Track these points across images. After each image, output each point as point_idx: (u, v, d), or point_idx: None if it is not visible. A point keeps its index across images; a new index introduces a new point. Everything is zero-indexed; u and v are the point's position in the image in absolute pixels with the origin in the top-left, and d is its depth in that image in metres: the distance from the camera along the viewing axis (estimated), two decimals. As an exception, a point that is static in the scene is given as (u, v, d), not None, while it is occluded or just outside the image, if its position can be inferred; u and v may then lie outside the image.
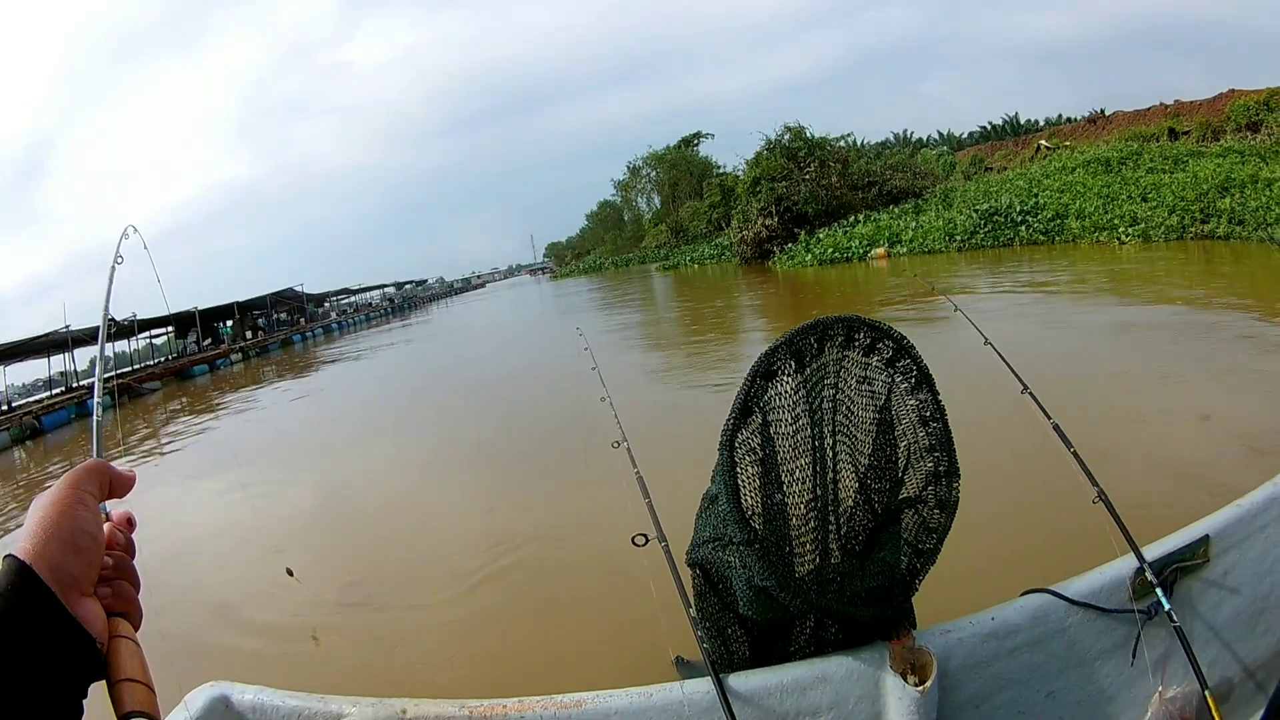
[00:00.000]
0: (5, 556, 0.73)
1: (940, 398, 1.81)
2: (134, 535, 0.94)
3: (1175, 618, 2.07)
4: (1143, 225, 23.57)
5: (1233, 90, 35.55)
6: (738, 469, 1.68)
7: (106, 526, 0.88)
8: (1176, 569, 2.18)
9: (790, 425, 1.72)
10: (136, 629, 0.83)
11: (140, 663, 0.78)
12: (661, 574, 2.18)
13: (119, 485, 0.87)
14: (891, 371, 1.80)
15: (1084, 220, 26.31)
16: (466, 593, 5.67)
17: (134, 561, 0.90)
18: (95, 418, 1.87)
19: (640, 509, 2.48)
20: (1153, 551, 2.17)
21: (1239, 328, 10.39)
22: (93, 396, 1.91)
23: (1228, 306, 11.98)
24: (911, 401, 1.81)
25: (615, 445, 2.91)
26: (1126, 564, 2.15)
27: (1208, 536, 2.22)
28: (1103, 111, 48.51)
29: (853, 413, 1.81)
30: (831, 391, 1.77)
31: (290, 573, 5.76)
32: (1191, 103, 38.44)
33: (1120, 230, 24.19)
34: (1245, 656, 2.29)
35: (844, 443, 1.81)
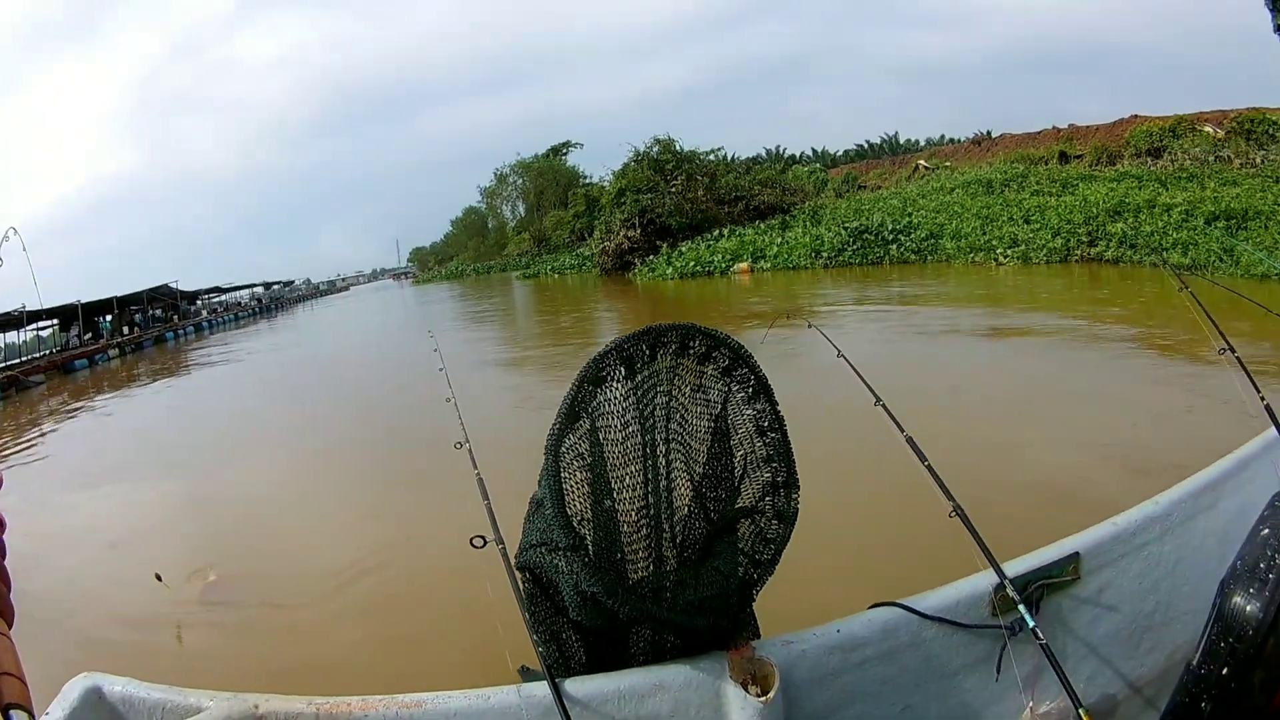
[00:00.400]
0: None
1: (779, 408, 1.82)
2: (4, 536, 0.93)
3: (1041, 635, 2.06)
4: (1023, 247, 23.65)
5: (1135, 116, 35.14)
6: (564, 474, 1.66)
7: None
8: (1043, 585, 2.18)
9: (620, 431, 1.69)
10: (10, 626, 0.83)
11: (14, 658, 0.78)
12: (500, 576, 2.16)
13: None
14: (728, 380, 1.79)
15: (960, 240, 26.41)
16: (313, 596, 5.62)
17: (4, 562, 0.90)
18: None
19: (481, 511, 2.48)
20: (1016, 567, 2.17)
21: (1115, 347, 10.85)
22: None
23: (1103, 326, 12.46)
24: (748, 411, 1.80)
25: (458, 446, 2.91)
26: (986, 579, 2.15)
27: (1078, 554, 2.23)
28: (989, 133, 48.30)
29: (687, 421, 1.79)
30: (665, 399, 1.75)
31: (159, 578, 5.80)
32: (1087, 127, 38.15)
33: (998, 251, 24.27)
34: (1130, 673, 2.32)
35: (678, 451, 1.78)
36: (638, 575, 1.73)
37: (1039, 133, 40.89)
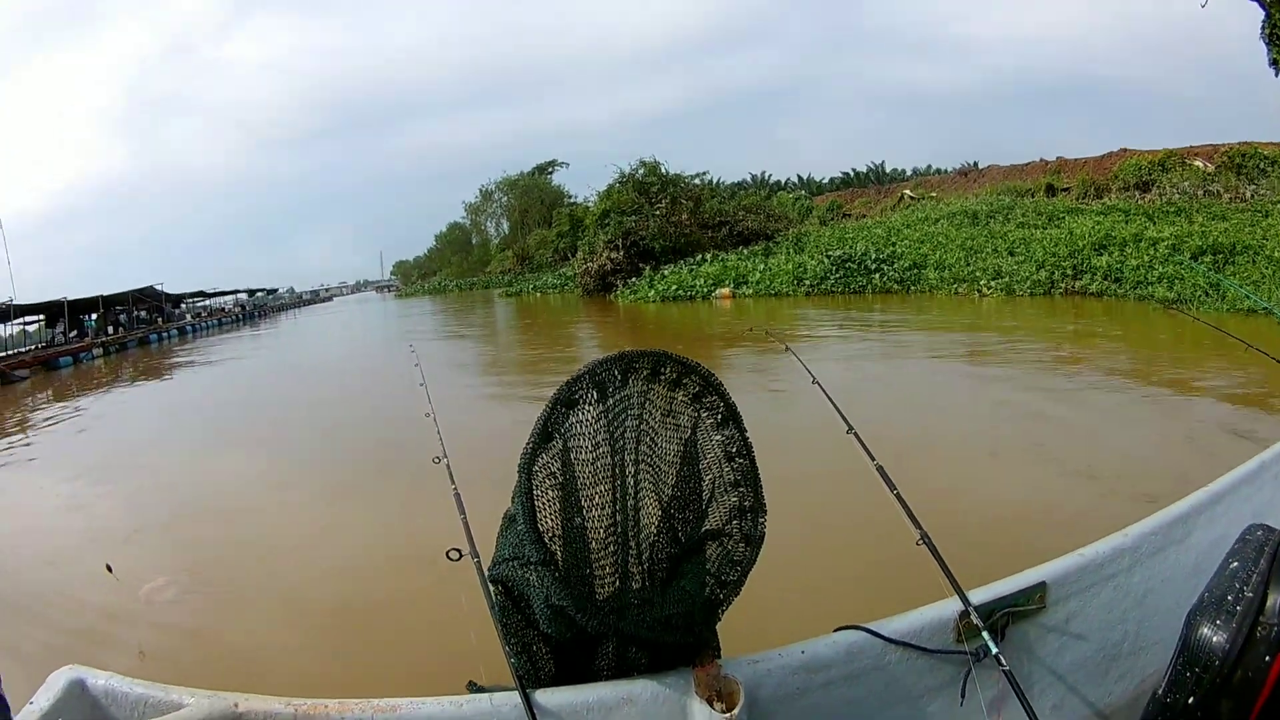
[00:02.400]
0: None
1: (748, 435, 1.85)
2: None
3: (1004, 661, 2.07)
4: (1007, 279, 23.72)
5: (1124, 150, 34.75)
6: (536, 492, 1.70)
7: None
8: (1009, 613, 2.21)
9: (590, 452, 1.73)
10: None
11: None
12: (474, 589, 2.19)
13: None
14: (698, 407, 1.82)
15: (943, 271, 26.50)
16: (291, 602, 5.64)
17: None
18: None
19: (458, 524, 2.52)
20: (981, 595, 2.20)
21: (1091, 378, 10.85)
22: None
23: (1082, 359, 12.60)
24: (717, 437, 1.83)
25: (436, 461, 2.96)
26: (951, 605, 2.19)
27: (1044, 583, 2.26)
28: (975, 164, 48.40)
29: (656, 444, 1.82)
30: (635, 422, 1.78)
31: (109, 569, 5.77)
32: (1075, 160, 37.79)
33: (981, 283, 24.34)
34: (1098, 701, 2.36)
35: (647, 473, 1.82)
36: (605, 591, 1.77)
37: (1026, 165, 40.71)
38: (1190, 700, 1.80)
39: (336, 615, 5.32)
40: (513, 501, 1.77)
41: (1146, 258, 20.62)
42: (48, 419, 18.16)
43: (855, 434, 2.85)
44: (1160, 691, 1.88)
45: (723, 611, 1.90)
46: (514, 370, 18.03)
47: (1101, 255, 21.82)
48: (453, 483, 2.74)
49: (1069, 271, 22.20)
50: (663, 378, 1.77)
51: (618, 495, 1.76)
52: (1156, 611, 2.40)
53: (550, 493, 1.70)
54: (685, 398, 1.80)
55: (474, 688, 2.07)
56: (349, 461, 9.94)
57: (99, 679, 1.87)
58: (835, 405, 3.03)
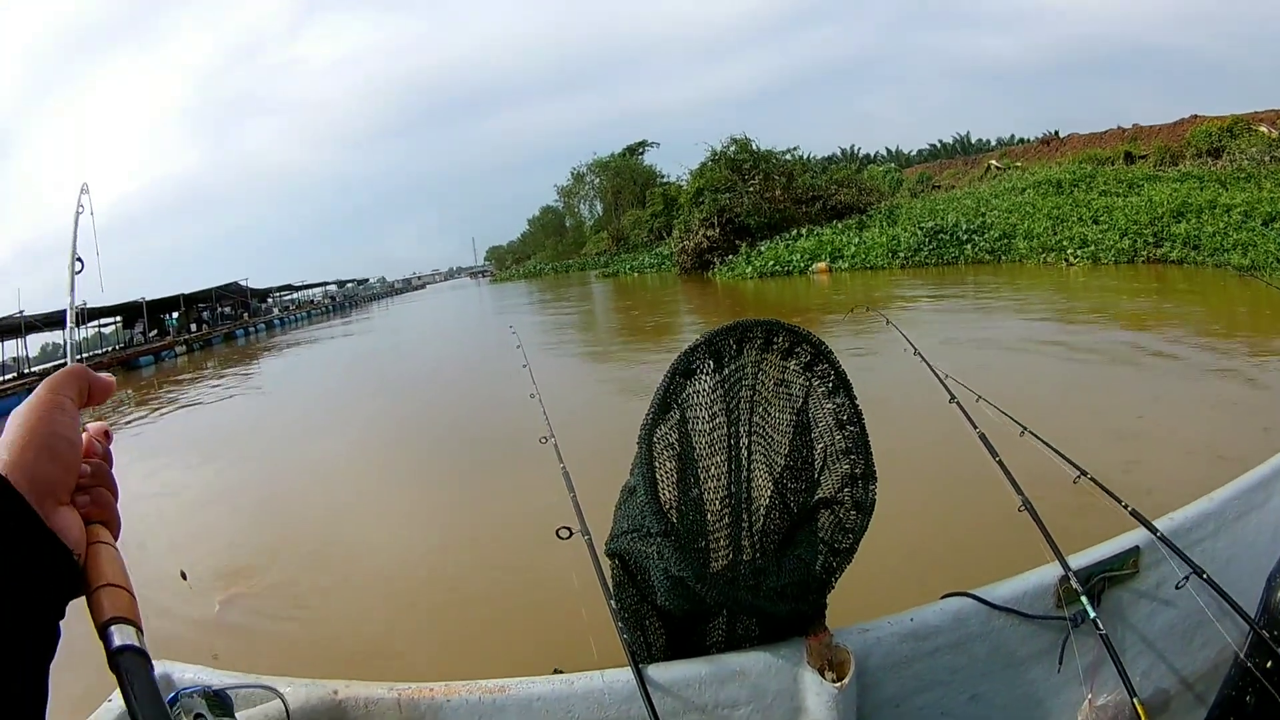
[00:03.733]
0: None
1: (858, 402, 1.84)
2: (110, 446, 0.85)
3: (1101, 626, 2.10)
4: (1092, 247, 23.66)
5: (1195, 116, 35.23)
6: (655, 463, 1.70)
7: (85, 435, 0.80)
8: (1104, 578, 2.21)
9: (707, 423, 1.75)
10: (116, 538, 0.77)
11: (121, 568, 0.72)
12: (585, 566, 2.21)
13: (98, 390, 0.81)
14: (809, 375, 1.82)
15: (1032, 241, 26.43)
16: (396, 581, 5.78)
17: (111, 470, 0.82)
18: (69, 319, 2.45)
19: (566, 502, 2.53)
20: (1079, 560, 2.21)
21: (1179, 347, 10.64)
22: (65, 325, 2.43)
23: (1168, 326, 12.34)
24: (829, 405, 1.83)
25: (543, 441, 2.99)
26: (1051, 571, 2.19)
27: (1138, 548, 2.26)
28: (1057, 133, 48.07)
29: (769, 414, 1.83)
30: (749, 392, 1.80)
31: (184, 575, 5.73)
32: (1150, 127, 38.22)
33: (1069, 252, 24.28)
34: (1182, 668, 2.34)
35: (760, 443, 1.82)
36: (720, 562, 1.79)
37: (1105, 132, 40.94)
38: (1270, 664, 1.79)
39: (445, 598, 5.41)
40: (632, 474, 1.78)
41: (1221, 224, 20.63)
42: (137, 410, 18.89)
43: (958, 403, 2.86)
44: (1241, 655, 1.89)
45: (835, 580, 1.89)
46: (615, 351, 18.06)
47: (1180, 222, 21.77)
48: (561, 461, 2.76)
49: (1150, 239, 22.09)
50: (775, 347, 1.77)
51: (732, 466, 1.77)
52: (1239, 576, 2.33)
53: (668, 464, 1.70)
54: (797, 366, 1.79)
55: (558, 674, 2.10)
56: (457, 445, 10.08)
57: (185, 672, 1.87)
58: (937, 374, 3.02)
